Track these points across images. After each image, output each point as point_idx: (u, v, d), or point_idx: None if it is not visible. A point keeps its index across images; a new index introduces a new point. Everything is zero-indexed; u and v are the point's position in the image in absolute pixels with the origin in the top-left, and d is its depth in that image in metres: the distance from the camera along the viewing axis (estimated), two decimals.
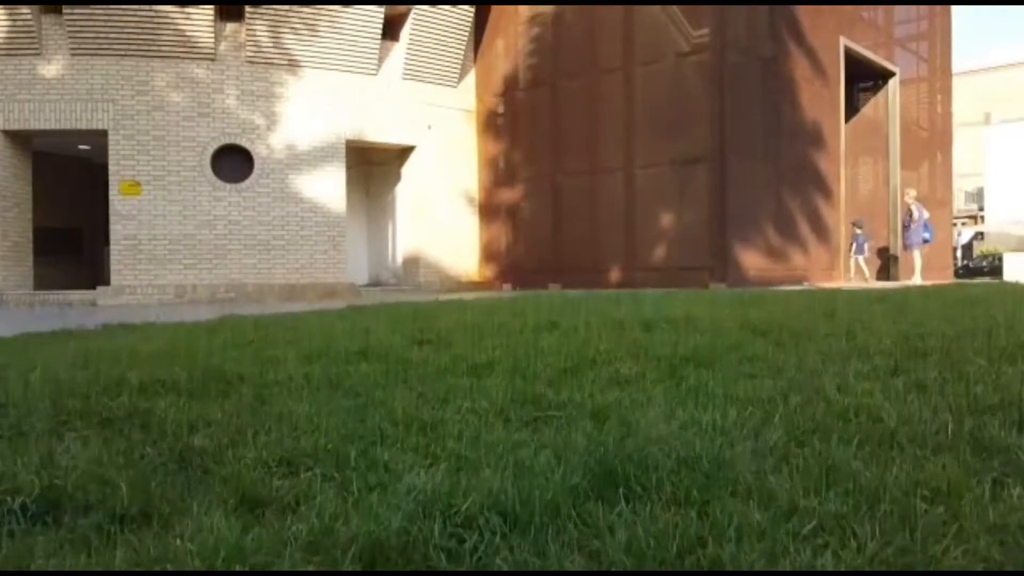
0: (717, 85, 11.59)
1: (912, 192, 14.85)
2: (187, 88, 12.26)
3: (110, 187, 12.08)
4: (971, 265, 35.25)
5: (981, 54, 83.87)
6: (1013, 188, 41.20)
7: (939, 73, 19.06)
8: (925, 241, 14.64)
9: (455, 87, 14.46)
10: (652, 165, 12.27)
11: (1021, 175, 40.62)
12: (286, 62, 12.70)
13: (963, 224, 42.48)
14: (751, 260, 11.91)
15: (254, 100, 12.58)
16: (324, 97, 12.97)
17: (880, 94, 16.75)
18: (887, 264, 16.79)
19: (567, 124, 13.36)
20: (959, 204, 41.14)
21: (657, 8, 12.34)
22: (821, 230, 13.81)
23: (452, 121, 14.45)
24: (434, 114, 14.12)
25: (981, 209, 44.09)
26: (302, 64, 12.79)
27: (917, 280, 14.41)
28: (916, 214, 14.51)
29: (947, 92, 19.31)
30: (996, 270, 34.44)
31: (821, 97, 13.87)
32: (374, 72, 13.35)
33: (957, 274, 30.03)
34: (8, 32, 11.83)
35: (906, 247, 15.05)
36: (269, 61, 12.61)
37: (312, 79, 12.88)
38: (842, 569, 1.34)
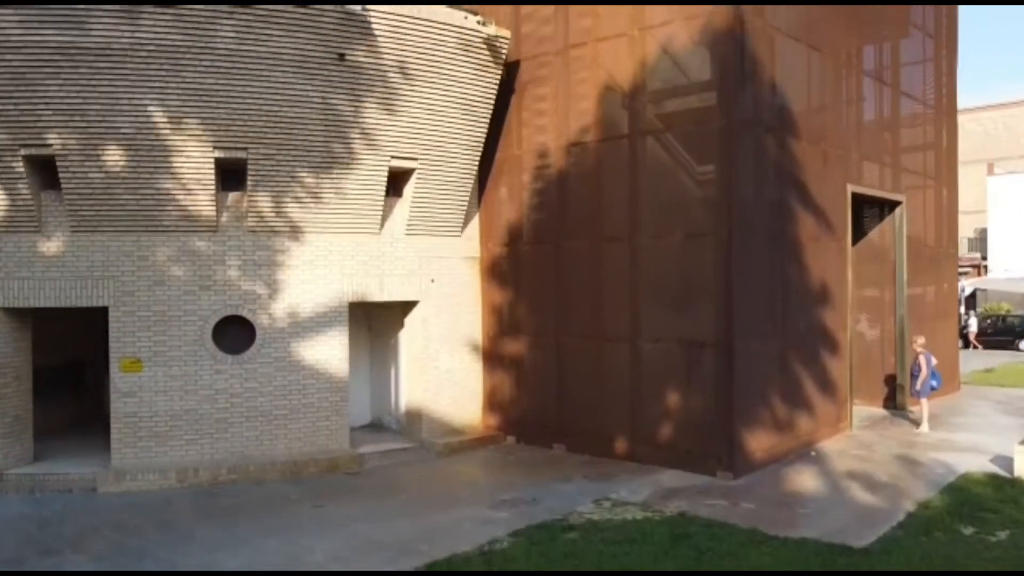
0: (725, 264, 11.45)
1: (920, 340, 14.72)
2: (188, 261, 12.14)
3: (111, 364, 11.97)
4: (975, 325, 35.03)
5: (982, 91, 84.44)
6: (1017, 241, 41.04)
7: (945, 183, 18.94)
8: (932, 388, 14.54)
9: (459, 236, 14.34)
10: (658, 340, 12.15)
11: None
12: (288, 229, 12.58)
13: (964, 275, 42.29)
14: (758, 443, 11.79)
15: (256, 269, 12.46)
16: (327, 260, 12.85)
17: (886, 221, 16.65)
18: (893, 393, 16.68)
19: (571, 285, 13.25)
20: (960, 251, 40.87)
21: (665, 154, 12.19)
22: (828, 386, 13.69)
23: (456, 270, 14.34)
24: (437, 265, 14.01)
25: (984, 258, 43.92)
26: (305, 230, 12.67)
27: (924, 428, 14.32)
28: (924, 362, 14.39)
29: (953, 205, 19.20)
30: (1001, 332, 34.35)
31: (827, 250, 13.76)
32: (377, 231, 13.23)
33: (962, 334, 29.84)
34: (7, 209, 11.72)
35: (913, 395, 14.92)
36: (271, 229, 12.49)
37: (315, 243, 12.76)
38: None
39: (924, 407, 14.45)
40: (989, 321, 35.47)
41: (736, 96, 11.45)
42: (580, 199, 13.11)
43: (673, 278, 12.02)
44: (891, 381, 16.69)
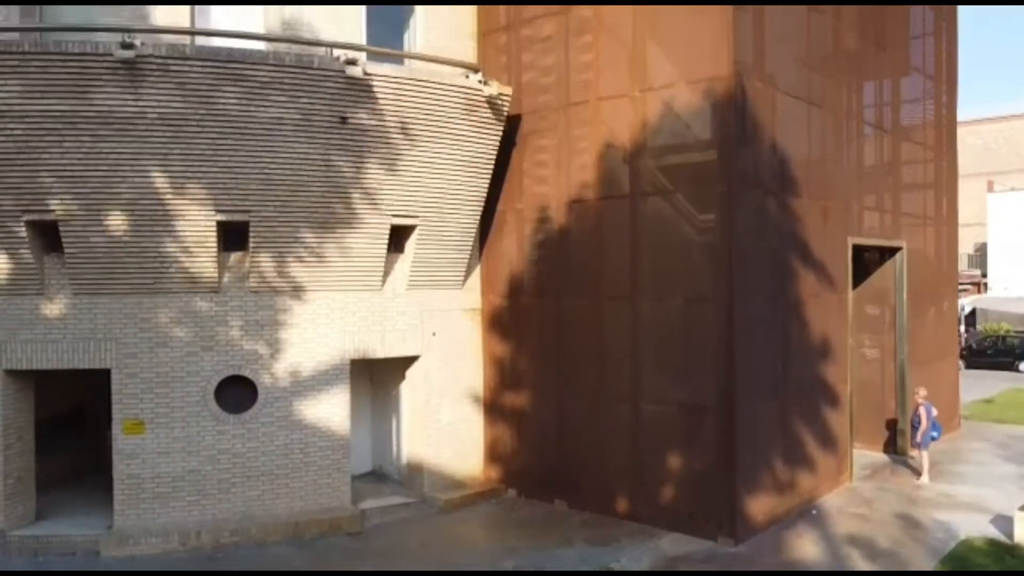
0: (726, 328, 11.46)
1: (922, 391, 14.74)
2: (190, 322, 12.16)
3: (113, 426, 12.00)
4: (975, 346, 34.99)
5: (983, 104, 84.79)
6: (1017, 258, 41.04)
7: (945, 221, 18.98)
8: (933, 439, 14.57)
9: (460, 288, 14.36)
10: (659, 401, 12.16)
11: None
12: (290, 288, 12.60)
13: (964, 292, 42.21)
14: (759, 505, 11.82)
15: (258, 329, 12.48)
16: (328, 318, 12.87)
17: (887, 265, 16.66)
18: (894, 437, 16.69)
19: (573, 340, 13.25)
20: (960, 268, 40.52)
21: (666, 216, 12.16)
22: (829, 440, 13.72)
23: (457, 322, 14.35)
24: (439, 319, 14.02)
25: (984, 275, 43.93)
26: (306, 288, 12.69)
27: (925, 479, 14.36)
28: (925, 414, 14.43)
29: (953, 243, 19.23)
30: (1002, 352, 34.28)
31: (828, 304, 13.78)
32: (379, 287, 13.25)
33: (963, 353, 29.79)
34: (10, 273, 11.76)
35: (914, 445, 14.94)
36: (273, 289, 12.51)
37: (316, 301, 12.78)
38: None
39: (924, 459, 14.48)
40: (989, 342, 35.43)
41: (737, 161, 11.47)
42: (581, 255, 13.11)
43: (675, 339, 12.03)
44: (892, 425, 16.71)
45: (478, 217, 13.99)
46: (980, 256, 45.68)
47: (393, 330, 13.47)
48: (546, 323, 13.66)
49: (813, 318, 13.24)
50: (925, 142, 17.93)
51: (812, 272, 13.22)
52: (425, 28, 13.97)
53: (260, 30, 12.54)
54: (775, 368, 12.44)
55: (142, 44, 10.75)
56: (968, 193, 40.53)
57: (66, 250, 11.67)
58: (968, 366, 33.43)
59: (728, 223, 11.49)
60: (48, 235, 11.74)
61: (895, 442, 16.64)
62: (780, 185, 12.51)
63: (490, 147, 13.50)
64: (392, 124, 12.29)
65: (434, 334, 13.93)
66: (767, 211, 12.28)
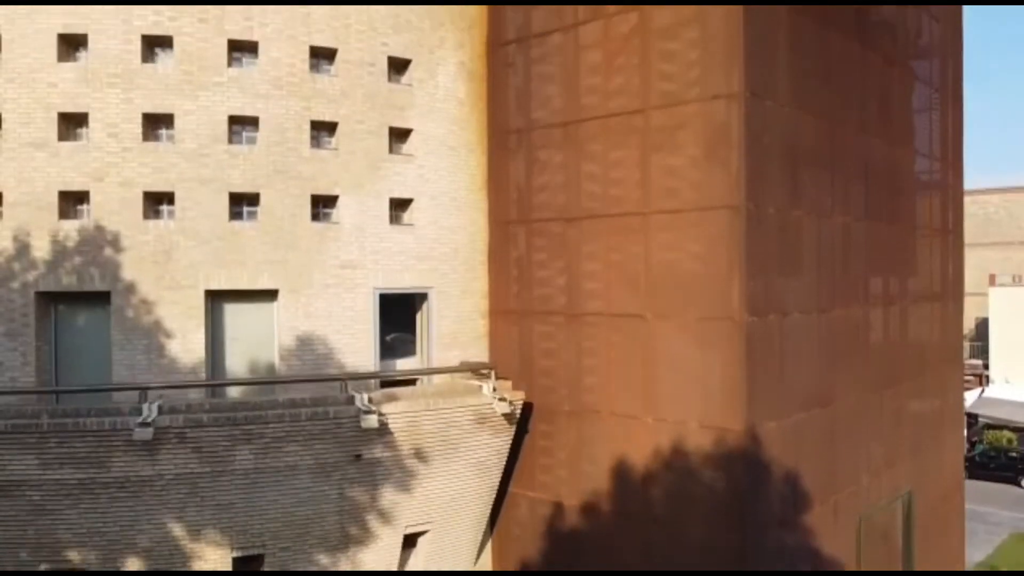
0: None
1: None
2: None
3: None
4: (977, 458, 34.96)
5: (983, 174, 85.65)
6: (1018, 351, 41.10)
7: (949, 430, 19.04)
8: None
9: (472, 566, 14.43)
10: None
11: None
12: None
13: (966, 384, 42.01)
14: None
15: None
16: None
17: (895, 504, 16.69)
18: None
19: None
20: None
21: (679, 553, 12.14)
22: None
23: None
24: None
25: (986, 366, 43.90)
26: None
27: None
28: None
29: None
30: (1004, 466, 34.37)
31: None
32: None
33: (965, 464, 29.86)
34: None
35: None
36: None
37: None
38: None
39: None
40: (992, 454, 35.48)
41: (751, 513, 11.56)
42: (597, 562, 13.14)
43: None
44: None
45: (491, 506, 14.05)
46: (982, 345, 45.70)
47: None
48: None
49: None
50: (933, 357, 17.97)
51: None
52: (439, 316, 14.01)
53: (275, 353, 12.59)
54: None
55: (159, 414, 10.83)
56: (968, 263, 40.59)
57: None
58: (970, 476, 33.48)
59: (740, 565, 11.56)
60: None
61: None
62: (793, 510, 12.57)
63: (502, 449, 13.56)
64: (406, 451, 12.36)
65: None
66: (782, 543, 12.33)
